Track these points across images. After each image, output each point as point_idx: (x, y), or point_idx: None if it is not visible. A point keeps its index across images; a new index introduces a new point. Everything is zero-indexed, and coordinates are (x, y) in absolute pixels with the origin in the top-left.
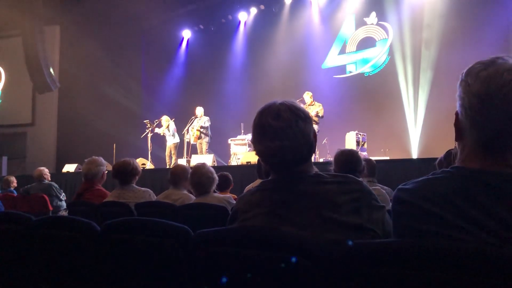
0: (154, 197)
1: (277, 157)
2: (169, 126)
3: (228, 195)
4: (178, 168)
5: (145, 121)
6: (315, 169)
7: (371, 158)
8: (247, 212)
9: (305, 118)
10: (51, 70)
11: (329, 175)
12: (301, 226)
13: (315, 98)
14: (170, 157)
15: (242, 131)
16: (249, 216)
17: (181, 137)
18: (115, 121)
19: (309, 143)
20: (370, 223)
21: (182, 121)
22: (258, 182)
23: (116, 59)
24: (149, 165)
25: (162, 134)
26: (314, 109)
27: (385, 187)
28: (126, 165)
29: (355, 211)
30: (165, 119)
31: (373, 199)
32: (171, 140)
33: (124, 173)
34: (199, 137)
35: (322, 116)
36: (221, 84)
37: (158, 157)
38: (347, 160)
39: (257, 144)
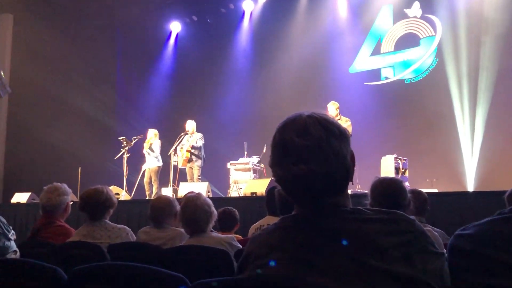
0: (132, 237)
1: (303, 185)
2: (153, 145)
3: (231, 235)
4: (162, 201)
5: (121, 138)
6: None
7: (421, 190)
8: (263, 257)
9: (340, 135)
10: (0, 72)
11: (371, 211)
12: (334, 276)
13: (342, 112)
14: (151, 185)
15: (246, 152)
16: (266, 262)
17: (166, 159)
18: (81, 138)
19: (345, 168)
20: (425, 274)
21: (167, 139)
22: (268, 219)
23: (84, 58)
24: (124, 195)
25: (146, 153)
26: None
27: (436, 229)
28: (98, 195)
29: (406, 258)
30: (153, 133)
31: (429, 243)
32: (154, 163)
33: (95, 205)
34: (190, 160)
35: (351, 135)
36: (219, 91)
37: (135, 185)
38: (389, 191)
39: (277, 168)
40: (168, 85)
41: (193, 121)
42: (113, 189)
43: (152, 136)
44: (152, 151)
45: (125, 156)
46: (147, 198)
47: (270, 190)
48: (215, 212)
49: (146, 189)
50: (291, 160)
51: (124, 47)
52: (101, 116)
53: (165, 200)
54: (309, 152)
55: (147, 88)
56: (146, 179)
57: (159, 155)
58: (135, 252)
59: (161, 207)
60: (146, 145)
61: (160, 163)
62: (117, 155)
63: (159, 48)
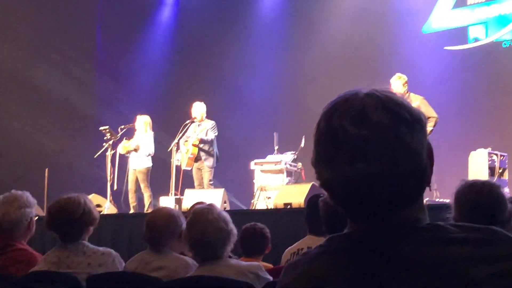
0: (121, 265)
1: (361, 192)
2: (145, 138)
3: (256, 263)
4: (161, 216)
5: (103, 128)
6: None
7: None
8: None
9: (412, 121)
10: None
11: (457, 228)
12: None
13: (412, 88)
14: (136, 194)
15: (276, 147)
16: None
17: (165, 157)
18: (49, 129)
19: (420, 168)
20: None
21: (167, 129)
22: (309, 241)
23: (52, 26)
24: (108, 207)
25: (126, 153)
26: None
27: None
28: (72, 207)
29: None
30: (142, 122)
31: None
32: (142, 162)
33: (69, 222)
34: (197, 158)
35: (429, 118)
36: (237, 65)
37: (123, 193)
38: (481, 200)
39: (322, 169)
40: (167, 58)
41: (202, 103)
42: (93, 198)
43: (142, 126)
44: (136, 149)
45: (109, 153)
46: (133, 210)
47: (311, 199)
48: (235, 230)
49: (131, 201)
50: (343, 158)
51: (105, 11)
52: (78, 100)
53: (166, 214)
54: (369, 146)
55: (137, 63)
56: (130, 186)
57: (152, 152)
58: (124, 286)
59: (160, 224)
60: (123, 147)
61: (150, 163)
62: (98, 152)
63: (152, 12)
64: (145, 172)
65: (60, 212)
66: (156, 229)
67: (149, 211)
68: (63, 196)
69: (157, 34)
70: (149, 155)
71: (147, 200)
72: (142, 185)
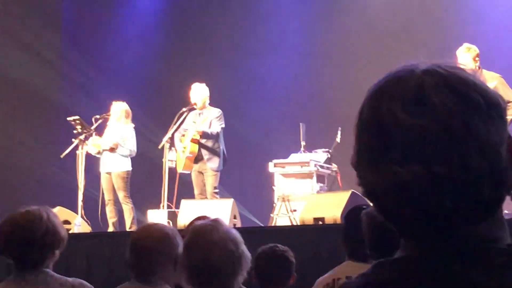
0: None
1: (419, 202)
2: (124, 132)
3: None
4: (150, 235)
5: (71, 119)
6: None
7: None
8: None
9: (488, 107)
10: None
11: None
12: None
13: (484, 63)
14: (115, 207)
15: (303, 143)
16: None
17: (154, 156)
18: (2, 122)
19: (498, 169)
20: None
21: (155, 119)
22: (349, 268)
23: None
24: (79, 224)
25: (98, 153)
26: None
27: None
28: (31, 225)
29: None
30: (119, 110)
31: None
32: (119, 164)
33: (27, 244)
34: (197, 159)
35: (508, 103)
36: (249, 38)
37: (100, 206)
38: None
39: (366, 171)
40: (156, 28)
41: (203, 85)
42: (59, 212)
43: (119, 116)
44: (114, 147)
45: (80, 151)
46: (112, 227)
47: (351, 213)
48: (248, 254)
49: (109, 215)
50: (394, 156)
51: None
52: (39, 82)
53: (156, 233)
54: (428, 140)
55: (115, 35)
56: (107, 196)
57: (133, 150)
58: None
59: (149, 246)
60: (94, 145)
61: (130, 166)
62: (65, 151)
63: None
64: (124, 177)
65: (16, 231)
66: (144, 253)
67: (133, 229)
68: (19, 209)
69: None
70: (130, 155)
71: (128, 214)
72: (120, 195)
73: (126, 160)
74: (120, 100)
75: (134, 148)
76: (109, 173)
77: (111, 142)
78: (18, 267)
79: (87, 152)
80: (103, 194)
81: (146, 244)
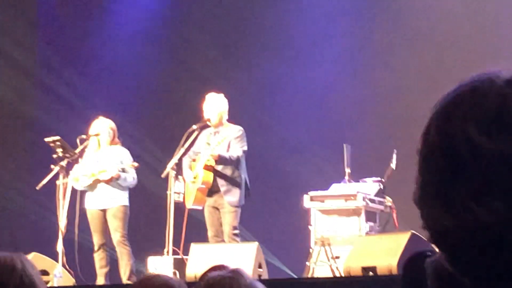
0: None
1: (503, 253)
2: (121, 154)
3: None
4: None
5: (50, 140)
6: None
7: None
8: None
9: None
10: None
11: None
12: None
13: None
14: (106, 252)
15: (347, 171)
16: None
17: (155, 188)
18: None
19: None
20: None
21: (155, 140)
22: None
23: None
24: (60, 276)
25: (91, 184)
26: None
27: None
28: (1, 279)
29: None
30: (107, 128)
31: None
32: (116, 199)
33: None
34: (212, 191)
35: None
36: (278, 42)
37: (88, 249)
38: None
39: (433, 207)
40: (157, 27)
41: (221, 96)
42: (35, 260)
43: (106, 135)
44: (116, 177)
45: (61, 181)
46: (103, 280)
47: (411, 262)
48: None
49: (99, 264)
50: (470, 190)
51: None
52: (9, 94)
53: (157, 281)
54: None
55: (103, 32)
56: (97, 238)
57: (135, 179)
58: None
59: None
60: (87, 175)
61: (127, 200)
62: (42, 180)
63: None
64: (122, 214)
65: None
66: None
67: (132, 281)
68: None
69: None
70: (131, 185)
71: (125, 261)
72: (115, 237)
73: (124, 192)
74: (109, 116)
75: (135, 176)
76: (102, 210)
77: (113, 171)
78: None
79: (68, 184)
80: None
81: None
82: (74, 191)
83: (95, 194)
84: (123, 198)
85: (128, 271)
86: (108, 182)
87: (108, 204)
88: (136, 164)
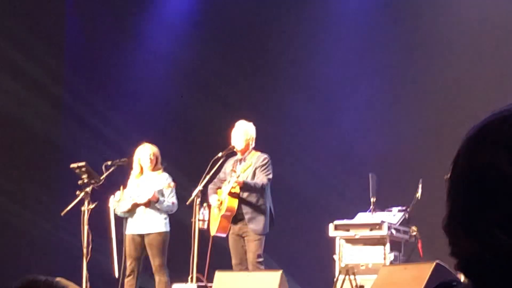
0: None
1: None
2: (161, 180)
3: None
4: None
5: (76, 166)
6: None
7: None
8: None
9: None
10: None
11: None
12: None
13: None
14: (136, 279)
15: (373, 199)
16: None
17: (180, 215)
18: None
19: None
20: None
21: (180, 168)
22: None
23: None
24: None
25: (130, 210)
26: None
27: None
28: None
29: None
30: (149, 154)
31: None
32: (156, 224)
33: None
34: (236, 218)
35: None
36: (313, 67)
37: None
38: None
39: (461, 235)
40: (182, 48)
41: (250, 124)
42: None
43: (147, 162)
44: (152, 200)
45: (86, 208)
46: None
47: None
48: None
49: None
50: (498, 219)
51: None
52: (33, 118)
53: None
54: None
55: (130, 58)
56: (132, 264)
57: (175, 204)
58: None
59: None
60: (126, 201)
61: (168, 226)
62: (67, 206)
63: None
64: (161, 240)
65: None
66: None
67: None
68: (25, 278)
69: (166, 12)
70: (171, 210)
71: None
72: (153, 265)
73: (162, 218)
74: (146, 142)
75: (176, 201)
76: (140, 236)
77: (149, 193)
78: None
79: (98, 206)
80: (123, 262)
81: None
82: (101, 216)
83: (134, 219)
84: (161, 224)
85: None
86: (146, 206)
87: (146, 230)
88: (172, 183)
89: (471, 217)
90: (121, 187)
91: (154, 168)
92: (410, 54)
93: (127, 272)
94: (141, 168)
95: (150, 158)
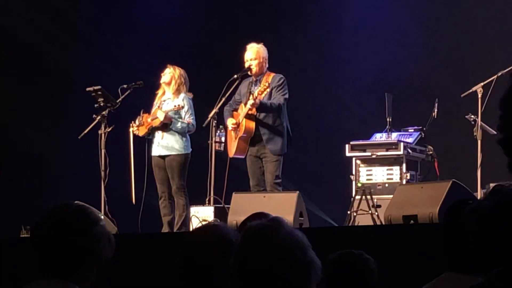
0: None
1: None
2: (178, 100)
3: None
4: (209, 238)
5: (92, 89)
6: None
7: None
8: None
9: None
10: None
11: None
12: None
13: None
14: (171, 202)
15: (389, 119)
16: None
17: (197, 138)
18: None
19: None
20: None
21: (197, 90)
22: (450, 281)
23: None
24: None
25: (146, 133)
26: None
27: None
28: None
29: None
30: (170, 77)
31: None
32: (176, 146)
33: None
34: (254, 139)
35: None
36: None
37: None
38: None
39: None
40: None
41: (261, 45)
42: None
43: (171, 85)
44: (166, 122)
45: (103, 131)
46: (167, 228)
47: (453, 209)
48: (319, 263)
49: (163, 211)
50: None
51: None
52: (42, 40)
53: (217, 237)
54: None
55: None
56: (159, 187)
57: (192, 124)
58: None
59: (209, 253)
60: (143, 126)
61: (189, 148)
62: (84, 130)
63: None
64: (179, 162)
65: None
66: (202, 260)
67: (182, 230)
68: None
69: None
70: (189, 130)
71: (179, 213)
72: (173, 185)
73: (179, 140)
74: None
75: (193, 120)
76: (162, 158)
77: (161, 115)
78: (43, 270)
79: (114, 129)
80: (145, 185)
81: (204, 249)
82: (121, 139)
83: (155, 142)
84: (180, 146)
85: (180, 223)
86: (162, 128)
87: (165, 152)
88: (181, 105)
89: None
90: (141, 111)
91: (176, 90)
92: None
93: (159, 195)
94: (164, 90)
95: (174, 80)
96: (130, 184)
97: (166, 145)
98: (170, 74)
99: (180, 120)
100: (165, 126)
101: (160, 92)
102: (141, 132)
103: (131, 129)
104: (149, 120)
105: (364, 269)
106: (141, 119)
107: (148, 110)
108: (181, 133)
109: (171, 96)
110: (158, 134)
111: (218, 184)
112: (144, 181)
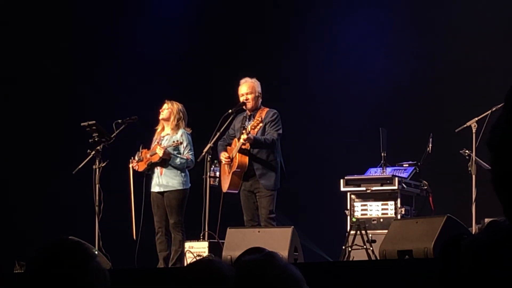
0: None
1: None
2: (177, 135)
3: None
4: (203, 273)
5: (87, 124)
6: None
7: None
8: None
9: None
10: None
11: None
12: None
13: None
14: (167, 238)
15: (383, 153)
16: None
17: (191, 175)
18: None
19: None
20: None
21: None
22: None
23: None
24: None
25: (145, 169)
26: None
27: None
28: (76, 258)
29: None
30: (169, 112)
31: None
32: (174, 181)
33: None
34: (247, 174)
35: None
36: (315, 19)
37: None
38: None
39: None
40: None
41: (255, 80)
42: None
43: (170, 120)
44: (165, 158)
45: (98, 166)
46: (163, 263)
47: (448, 245)
48: None
49: (160, 247)
50: None
51: None
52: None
53: (211, 272)
54: None
55: (138, 14)
56: (156, 222)
57: (190, 159)
58: None
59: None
60: (142, 160)
61: (188, 183)
62: (78, 165)
63: None
64: (177, 198)
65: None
66: None
67: (177, 265)
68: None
69: None
70: (188, 167)
71: (175, 249)
72: (170, 221)
73: (178, 176)
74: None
75: (191, 156)
76: (161, 193)
77: (160, 151)
78: None
79: (108, 164)
80: (141, 221)
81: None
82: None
83: (154, 177)
84: (178, 182)
85: (175, 258)
86: (161, 164)
87: (164, 188)
88: (180, 140)
89: None
90: (141, 147)
91: (175, 126)
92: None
93: (155, 230)
94: (163, 126)
95: (172, 116)
96: (130, 220)
97: (165, 181)
98: (168, 110)
99: (179, 155)
100: (164, 162)
101: (159, 127)
102: (141, 167)
103: (130, 165)
104: (148, 156)
105: None
106: (140, 154)
107: (147, 145)
108: (180, 168)
109: (170, 132)
110: (157, 170)
111: (212, 219)
112: (140, 216)
